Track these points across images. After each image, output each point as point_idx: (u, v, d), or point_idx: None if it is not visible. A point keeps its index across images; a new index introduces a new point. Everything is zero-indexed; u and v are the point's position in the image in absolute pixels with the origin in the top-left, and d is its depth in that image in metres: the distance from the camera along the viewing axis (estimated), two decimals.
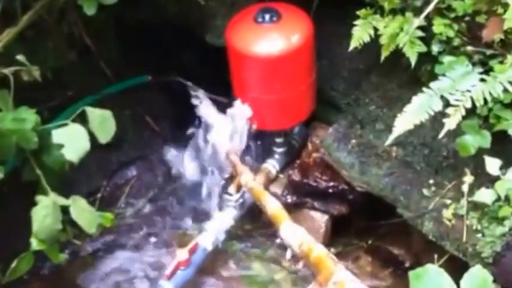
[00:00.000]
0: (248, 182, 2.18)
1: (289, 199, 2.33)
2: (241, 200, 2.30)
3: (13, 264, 1.76)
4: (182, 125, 2.69)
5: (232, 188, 2.28)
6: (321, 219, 2.32)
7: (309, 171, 2.28)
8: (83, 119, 1.77)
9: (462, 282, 1.40)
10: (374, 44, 1.98)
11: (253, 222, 2.49)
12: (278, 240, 2.42)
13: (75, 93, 2.37)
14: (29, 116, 1.73)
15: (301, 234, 1.86)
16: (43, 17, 2.05)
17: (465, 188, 1.84)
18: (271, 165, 2.38)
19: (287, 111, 2.25)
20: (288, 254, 2.33)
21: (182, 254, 2.13)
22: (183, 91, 2.54)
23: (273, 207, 2.02)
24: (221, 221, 2.27)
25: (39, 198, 1.71)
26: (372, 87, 2.19)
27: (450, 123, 1.69)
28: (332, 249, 2.39)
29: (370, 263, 2.34)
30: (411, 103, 1.76)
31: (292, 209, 2.33)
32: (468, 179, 1.85)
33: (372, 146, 2.10)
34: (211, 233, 2.23)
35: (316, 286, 1.69)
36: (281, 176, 2.40)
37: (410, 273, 1.43)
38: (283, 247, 2.40)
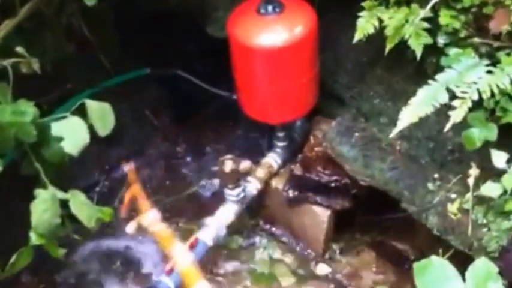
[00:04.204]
0: (152, 225, 2.00)
1: (291, 194, 2.32)
2: (242, 195, 2.28)
3: (12, 259, 1.74)
4: (182, 119, 2.68)
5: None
6: (323, 214, 2.30)
7: (311, 166, 2.27)
8: (82, 112, 1.75)
9: (467, 273, 1.39)
10: (379, 36, 1.96)
11: (254, 217, 2.48)
12: (279, 234, 2.41)
13: (74, 86, 2.36)
14: (28, 109, 1.71)
15: None
16: (42, 9, 2.03)
17: (471, 181, 1.82)
18: (273, 159, 2.37)
19: (289, 104, 2.23)
20: None
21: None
22: (183, 84, 2.53)
23: (185, 263, 1.89)
24: (222, 216, 2.25)
25: (38, 192, 1.70)
26: (376, 80, 2.17)
27: (456, 116, 1.66)
28: (335, 245, 2.39)
29: (374, 258, 2.33)
30: (416, 95, 1.74)
31: (294, 204, 2.32)
32: (474, 172, 1.82)
33: (376, 139, 2.09)
34: (211, 228, 2.21)
35: None
36: (283, 170, 2.38)
37: (415, 266, 1.43)
38: (285, 243, 2.40)
